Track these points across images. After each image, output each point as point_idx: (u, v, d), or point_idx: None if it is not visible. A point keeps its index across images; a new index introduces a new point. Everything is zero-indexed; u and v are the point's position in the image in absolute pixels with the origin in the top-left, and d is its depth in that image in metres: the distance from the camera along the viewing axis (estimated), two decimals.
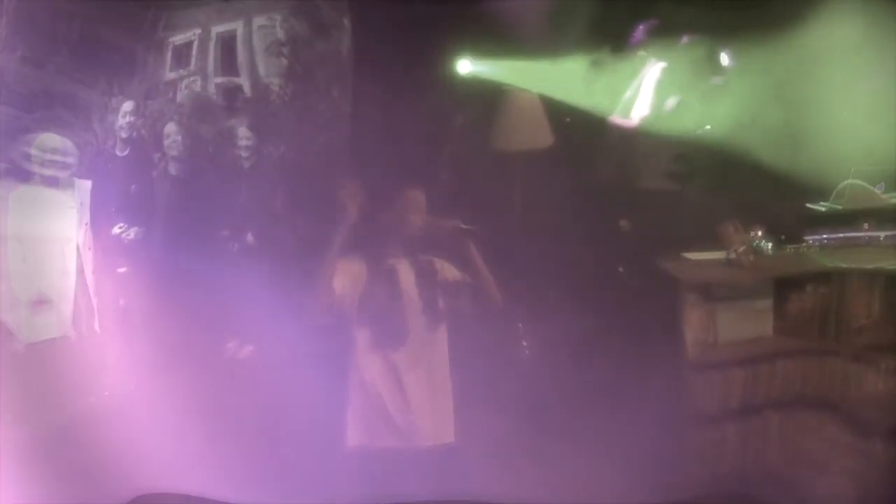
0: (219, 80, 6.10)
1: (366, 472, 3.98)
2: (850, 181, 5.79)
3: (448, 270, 4.11)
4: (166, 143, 5.92)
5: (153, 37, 5.73)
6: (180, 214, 6.01)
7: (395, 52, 6.42)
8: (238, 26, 6.11)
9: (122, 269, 5.72)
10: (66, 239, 5.50)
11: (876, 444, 5.38)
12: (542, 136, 6.65)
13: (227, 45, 6.09)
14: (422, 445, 3.99)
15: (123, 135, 5.69)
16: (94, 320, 5.61)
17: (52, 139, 5.37)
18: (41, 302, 5.44)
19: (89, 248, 5.57)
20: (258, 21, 6.18)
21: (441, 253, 4.12)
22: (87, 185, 5.53)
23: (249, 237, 6.31)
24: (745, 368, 5.35)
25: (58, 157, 5.38)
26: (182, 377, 5.72)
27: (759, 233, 5.68)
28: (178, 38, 5.87)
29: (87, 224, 5.54)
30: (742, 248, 5.40)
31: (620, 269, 6.06)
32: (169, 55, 5.86)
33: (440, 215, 4.13)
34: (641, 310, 5.80)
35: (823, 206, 5.88)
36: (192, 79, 5.99)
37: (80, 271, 5.55)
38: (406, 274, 4.06)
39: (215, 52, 6.06)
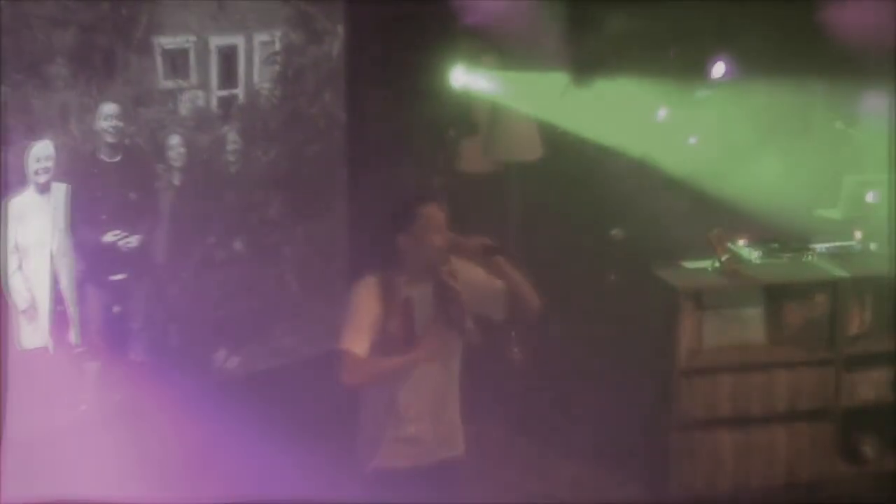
0: (221, 93, 6.06)
1: (383, 491, 3.86)
2: (844, 189, 5.83)
3: (476, 282, 3.77)
4: (170, 154, 5.87)
5: (135, 36, 5.64)
6: (184, 224, 5.96)
7: (389, 58, 6.43)
8: (239, 42, 6.08)
9: (116, 277, 5.66)
10: (41, 245, 5.40)
11: (867, 451, 5.42)
12: (533, 148, 6.68)
13: (228, 59, 6.05)
14: (435, 458, 3.87)
15: (111, 139, 5.57)
16: (71, 331, 5.51)
17: (45, 146, 5.31)
18: (31, 310, 5.39)
19: (64, 255, 5.49)
20: (260, 37, 6.15)
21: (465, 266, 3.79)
22: (61, 188, 5.41)
23: (237, 244, 6.28)
24: (736, 376, 5.35)
25: (50, 164, 5.32)
26: (183, 390, 5.70)
27: (745, 241, 5.69)
28: (168, 43, 5.79)
29: (61, 230, 5.43)
30: (726, 257, 5.38)
31: (612, 277, 6.07)
32: (159, 60, 5.78)
33: (461, 232, 3.73)
34: (632, 317, 5.82)
35: (819, 213, 5.91)
36: (194, 92, 5.93)
37: (56, 279, 5.45)
38: (425, 302, 3.74)
39: (217, 65, 6.00)
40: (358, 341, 3.65)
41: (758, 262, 5.56)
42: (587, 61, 6.60)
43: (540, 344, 6.74)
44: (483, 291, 3.79)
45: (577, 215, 6.64)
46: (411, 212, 3.71)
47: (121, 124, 5.58)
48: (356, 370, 3.67)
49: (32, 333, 5.36)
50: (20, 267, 5.31)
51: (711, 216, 6.01)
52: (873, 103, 6.32)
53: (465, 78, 6.61)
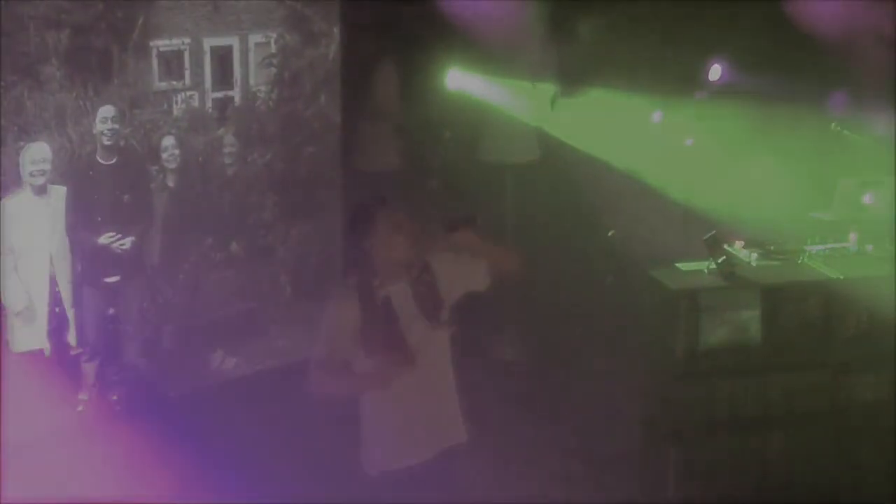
0: (216, 94, 6.08)
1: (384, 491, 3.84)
2: (839, 191, 5.83)
3: (451, 265, 3.75)
4: (164, 155, 5.87)
5: (131, 38, 5.65)
6: (179, 225, 5.96)
7: (385, 61, 6.44)
8: (234, 42, 6.10)
9: (112, 279, 5.65)
10: (40, 247, 5.42)
11: (863, 453, 5.43)
12: (529, 149, 6.70)
13: (223, 60, 6.06)
14: (436, 451, 3.86)
15: (107, 142, 5.58)
16: (69, 333, 5.52)
17: (41, 148, 5.31)
18: (27, 312, 5.38)
19: (65, 258, 5.48)
20: (255, 38, 6.16)
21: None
22: (60, 190, 5.43)
23: (234, 246, 6.29)
24: (732, 378, 5.36)
25: (47, 166, 5.33)
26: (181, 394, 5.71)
27: (742, 243, 5.70)
28: (164, 45, 5.81)
29: (60, 232, 5.45)
30: (723, 259, 5.38)
31: (610, 279, 6.08)
32: (155, 62, 5.80)
33: (426, 223, 3.75)
34: (629, 318, 5.82)
35: (815, 215, 5.91)
36: (189, 93, 5.94)
37: (54, 281, 5.46)
38: (404, 299, 3.72)
39: (212, 66, 6.02)
40: (326, 353, 3.66)
41: (755, 264, 5.57)
42: (582, 63, 6.62)
43: (537, 345, 6.75)
44: (461, 271, 3.78)
45: (574, 217, 6.65)
46: (369, 217, 3.69)
47: (117, 127, 5.60)
48: (319, 382, 3.69)
49: (28, 336, 5.36)
50: (16, 268, 5.32)
51: (708, 218, 6.01)
52: (870, 105, 6.34)
53: (461, 80, 6.63)
